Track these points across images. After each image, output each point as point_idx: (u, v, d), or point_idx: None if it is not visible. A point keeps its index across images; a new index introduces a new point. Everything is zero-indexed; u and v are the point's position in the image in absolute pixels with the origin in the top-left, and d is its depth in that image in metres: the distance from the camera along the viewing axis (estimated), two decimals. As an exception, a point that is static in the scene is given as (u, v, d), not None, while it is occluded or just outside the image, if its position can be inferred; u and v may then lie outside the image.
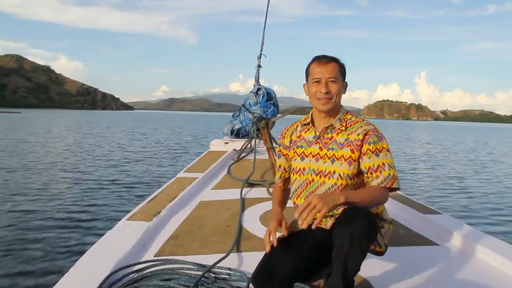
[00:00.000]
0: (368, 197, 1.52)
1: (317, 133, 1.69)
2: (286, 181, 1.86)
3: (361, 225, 1.36)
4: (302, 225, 1.33)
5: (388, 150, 1.60)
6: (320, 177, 1.65)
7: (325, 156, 1.64)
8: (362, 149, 1.60)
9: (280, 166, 1.85)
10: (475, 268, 1.96)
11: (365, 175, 1.61)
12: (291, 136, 1.80)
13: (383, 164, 1.57)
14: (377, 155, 1.57)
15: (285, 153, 1.82)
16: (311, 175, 1.67)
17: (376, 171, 1.57)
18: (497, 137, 47.23)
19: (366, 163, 1.58)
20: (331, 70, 1.61)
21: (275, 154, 2.32)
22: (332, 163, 1.62)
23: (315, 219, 1.33)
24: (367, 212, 1.45)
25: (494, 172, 13.25)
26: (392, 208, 2.99)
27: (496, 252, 2.02)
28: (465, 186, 10.07)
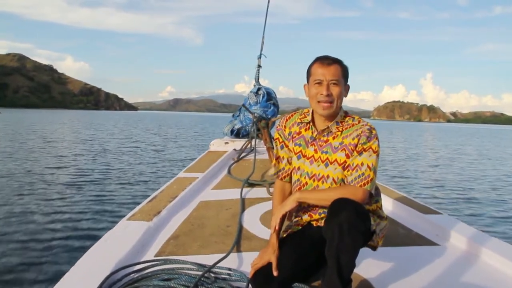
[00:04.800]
0: (327, 194, 1.51)
1: (315, 134, 1.66)
2: (290, 176, 1.77)
3: (349, 215, 1.35)
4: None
5: (374, 152, 1.55)
6: (314, 180, 1.63)
7: (319, 159, 1.62)
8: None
9: (283, 158, 1.76)
10: (475, 268, 1.95)
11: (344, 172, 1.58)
12: (290, 128, 1.74)
13: (362, 163, 1.53)
14: (360, 154, 1.55)
15: (287, 144, 1.74)
16: (305, 177, 1.66)
17: (353, 169, 1.54)
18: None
19: (348, 161, 1.57)
20: (333, 72, 1.56)
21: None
22: (326, 167, 1.61)
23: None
24: (354, 202, 1.43)
25: (496, 172, 13.23)
26: (392, 208, 2.99)
27: (496, 252, 2.02)
28: (465, 186, 10.06)
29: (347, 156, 1.57)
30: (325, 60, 1.58)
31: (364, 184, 1.52)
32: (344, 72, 1.60)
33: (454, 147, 26.68)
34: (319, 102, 1.58)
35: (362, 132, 1.57)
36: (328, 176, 1.60)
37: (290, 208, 1.54)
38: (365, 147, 1.55)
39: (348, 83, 1.65)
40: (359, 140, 1.56)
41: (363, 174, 1.52)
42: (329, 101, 1.56)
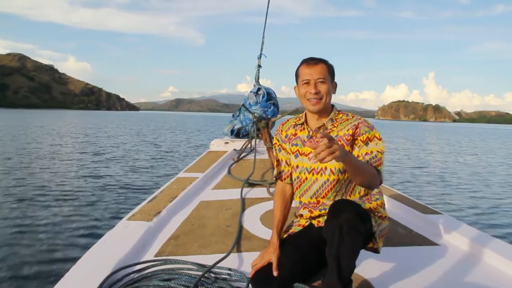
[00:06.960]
0: (362, 165, 1.49)
1: (310, 133, 1.71)
2: (290, 177, 1.81)
3: (349, 216, 1.37)
4: (312, 159, 1.28)
5: (379, 139, 1.61)
6: (313, 174, 1.67)
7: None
8: (356, 142, 1.61)
9: (282, 160, 1.83)
10: (475, 268, 1.96)
11: None
12: (286, 131, 1.81)
13: (371, 151, 1.58)
14: (366, 144, 1.59)
15: (284, 147, 1.81)
16: (304, 173, 1.69)
17: (364, 155, 1.58)
18: None
19: (355, 152, 1.60)
20: (319, 71, 1.62)
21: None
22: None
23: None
24: (354, 204, 1.46)
25: (496, 172, 13.22)
26: (392, 208, 2.99)
27: (496, 252, 2.02)
28: (465, 186, 10.05)
29: (343, 146, 1.58)
30: (310, 61, 1.65)
31: (378, 165, 1.56)
32: (330, 70, 1.67)
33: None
34: (308, 100, 1.64)
35: (359, 123, 1.62)
36: (326, 168, 1.64)
37: (343, 155, 1.32)
38: (370, 136, 1.60)
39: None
40: (356, 129, 1.61)
41: (375, 156, 1.57)
42: (318, 98, 1.63)
